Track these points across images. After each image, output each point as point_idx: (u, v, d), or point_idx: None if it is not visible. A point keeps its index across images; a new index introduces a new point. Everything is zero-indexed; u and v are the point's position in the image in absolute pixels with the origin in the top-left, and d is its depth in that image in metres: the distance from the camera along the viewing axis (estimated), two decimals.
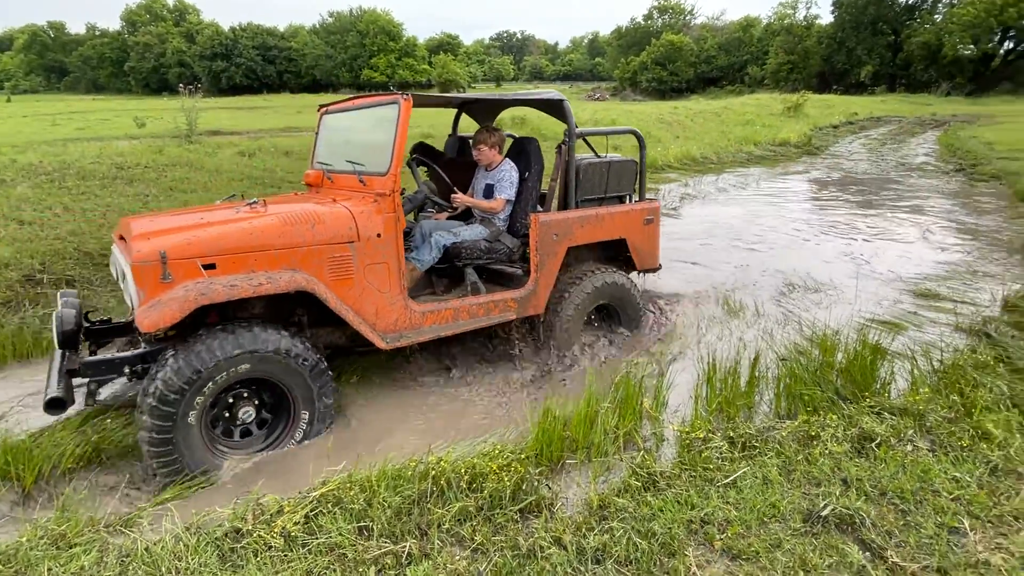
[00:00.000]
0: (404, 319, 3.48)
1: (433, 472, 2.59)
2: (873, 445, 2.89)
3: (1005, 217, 8.68)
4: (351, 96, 4.14)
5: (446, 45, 69.04)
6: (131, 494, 2.84)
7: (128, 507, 2.69)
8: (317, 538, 2.30)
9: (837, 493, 2.54)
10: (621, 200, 4.47)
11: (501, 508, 2.47)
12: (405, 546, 2.26)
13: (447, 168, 4.34)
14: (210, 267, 2.87)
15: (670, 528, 2.36)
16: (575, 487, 2.72)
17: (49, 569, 2.17)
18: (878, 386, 3.48)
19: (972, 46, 42.34)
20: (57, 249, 5.47)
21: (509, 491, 2.52)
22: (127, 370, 2.96)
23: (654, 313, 4.95)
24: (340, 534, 2.31)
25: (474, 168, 4.40)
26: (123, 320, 3.65)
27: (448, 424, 3.49)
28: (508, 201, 4.08)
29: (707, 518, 2.43)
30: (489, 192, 4.13)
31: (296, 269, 3.07)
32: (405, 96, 3.41)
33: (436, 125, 10.98)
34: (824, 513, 2.42)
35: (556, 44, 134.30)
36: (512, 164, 4.14)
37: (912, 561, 2.20)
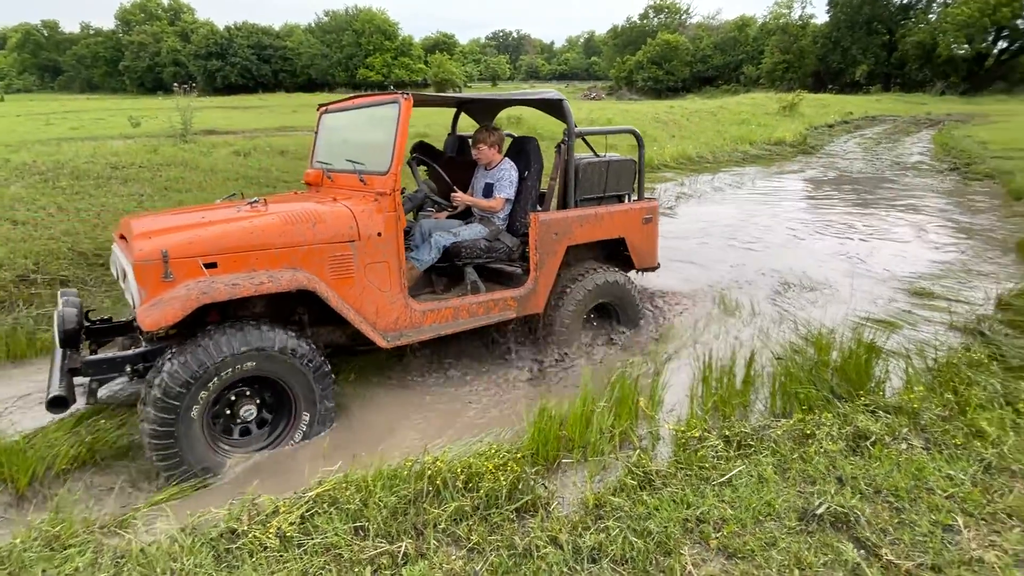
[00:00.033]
0: (404, 318, 3.49)
1: (429, 472, 2.59)
2: (868, 443, 2.90)
3: (999, 216, 8.72)
4: (351, 96, 4.14)
5: (442, 44, 68.96)
6: (126, 495, 2.83)
7: (123, 508, 2.68)
8: (313, 538, 2.29)
9: (832, 491, 2.55)
10: (620, 199, 4.48)
11: (497, 508, 2.47)
12: (401, 546, 2.26)
13: (446, 167, 4.35)
14: (211, 266, 2.88)
15: (666, 527, 2.36)
16: (571, 486, 2.72)
17: (43, 571, 2.16)
18: (873, 384, 3.49)
19: (966, 45, 42.53)
20: (51, 249, 5.45)
21: (505, 490, 2.52)
22: (128, 369, 2.96)
23: (652, 312, 4.96)
24: (336, 534, 2.31)
25: (473, 167, 4.40)
26: (123, 319, 3.65)
27: (445, 423, 3.49)
28: (507, 200, 4.08)
29: (703, 517, 2.44)
30: (489, 191, 4.14)
31: (297, 268, 3.07)
32: (405, 95, 3.42)
33: (432, 125, 10.97)
34: (819, 511, 2.43)
35: (552, 43, 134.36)
36: (512, 163, 4.15)
37: (906, 559, 2.21)
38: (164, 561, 2.19)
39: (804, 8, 78.90)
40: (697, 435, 2.98)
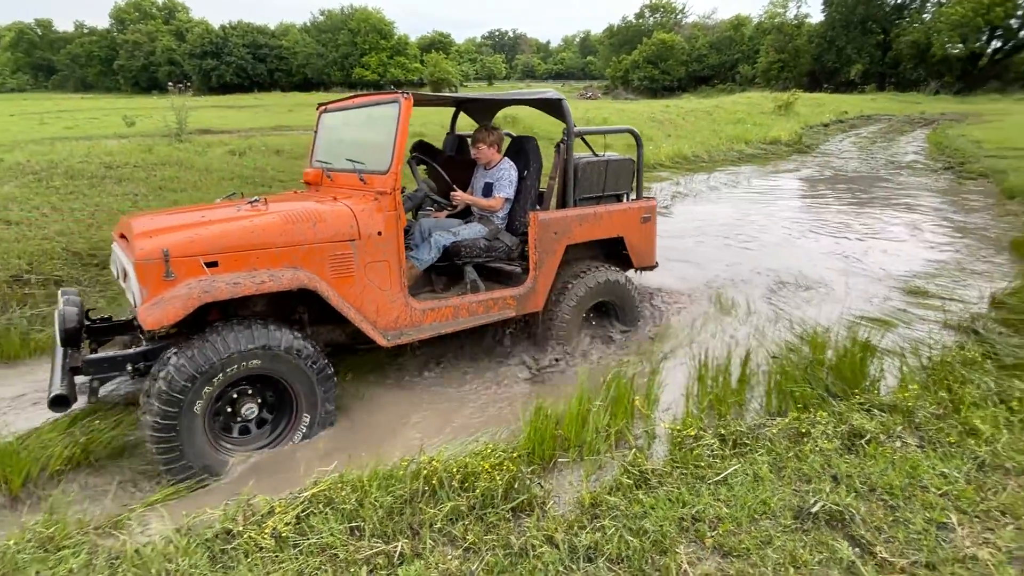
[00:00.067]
0: (405, 317, 3.50)
1: (425, 472, 2.59)
2: (863, 442, 2.91)
3: (993, 215, 8.76)
4: (350, 95, 4.15)
5: (438, 44, 68.90)
6: (121, 496, 2.82)
7: (118, 509, 2.67)
8: (308, 539, 2.29)
9: (827, 490, 2.56)
10: (618, 198, 4.50)
11: (493, 507, 2.47)
12: (397, 546, 2.26)
13: (445, 166, 4.37)
14: (212, 265, 2.89)
15: (661, 526, 2.37)
16: (567, 485, 2.72)
17: (37, 572, 2.16)
18: (868, 383, 3.50)
19: (960, 45, 42.68)
20: (45, 249, 5.42)
21: (501, 490, 2.52)
22: (129, 367, 2.96)
23: (648, 311, 4.96)
24: (331, 534, 2.30)
25: (472, 166, 4.41)
26: (123, 318, 3.65)
27: (443, 422, 3.49)
28: (507, 200, 4.10)
29: (698, 515, 2.44)
30: (488, 191, 4.15)
31: (298, 267, 3.08)
32: (406, 95, 3.43)
33: (428, 124, 10.96)
34: (814, 510, 2.44)
35: (548, 43, 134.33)
36: (511, 163, 4.16)
37: (901, 556, 2.21)
38: (159, 562, 2.19)
39: (799, 7, 79.49)
40: (693, 434, 2.99)
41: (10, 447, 2.87)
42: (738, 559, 2.23)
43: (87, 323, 3.42)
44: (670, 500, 2.53)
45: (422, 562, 2.20)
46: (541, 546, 2.28)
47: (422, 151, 4.57)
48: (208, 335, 2.84)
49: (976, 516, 2.43)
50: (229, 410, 3.05)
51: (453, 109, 5.19)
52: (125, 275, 3.00)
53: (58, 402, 2.68)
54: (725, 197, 10.70)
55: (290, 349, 2.98)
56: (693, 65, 59.08)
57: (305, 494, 2.51)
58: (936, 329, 4.60)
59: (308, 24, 66.25)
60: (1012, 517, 2.42)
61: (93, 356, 2.96)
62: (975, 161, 13.17)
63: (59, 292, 3.45)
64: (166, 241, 2.83)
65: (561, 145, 4.00)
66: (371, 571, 2.18)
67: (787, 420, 3.13)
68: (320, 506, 2.45)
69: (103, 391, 3.08)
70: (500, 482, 2.53)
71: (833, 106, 28.89)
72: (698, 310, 5.18)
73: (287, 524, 2.34)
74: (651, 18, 66.85)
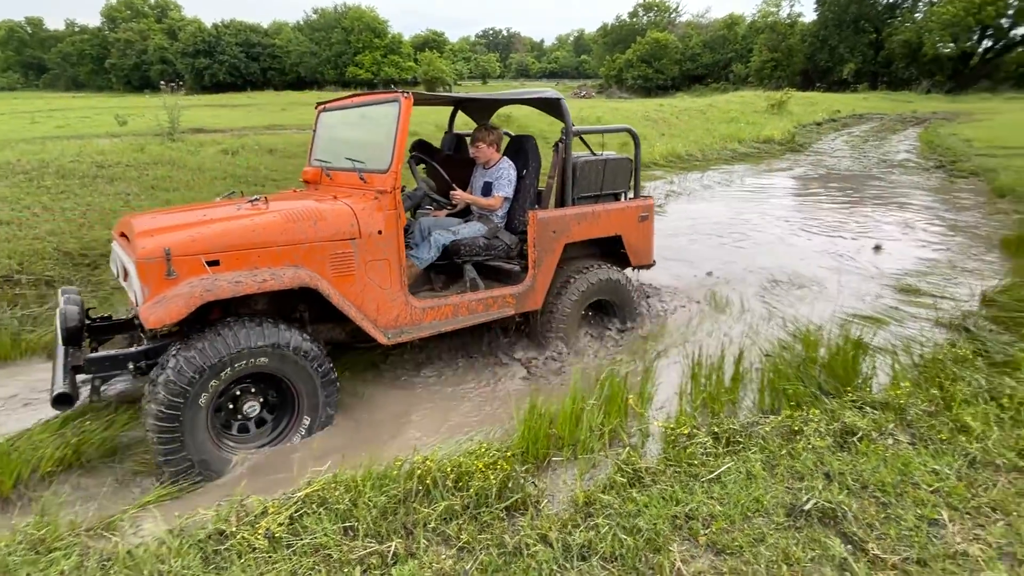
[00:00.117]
0: (405, 315, 3.51)
1: (419, 471, 2.58)
2: (855, 439, 2.93)
3: (983, 213, 8.82)
4: (350, 94, 4.16)
5: (432, 42, 68.72)
6: (113, 497, 2.80)
7: (110, 510, 2.66)
8: (302, 539, 2.28)
9: (820, 487, 2.57)
10: (616, 197, 4.52)
11: (487, 506, 2.47)
12: (391, 546, 2.26)
13: (444, 165, 4.38)
14: (214, 263, 2.89)
15: (655, 524, 2.37)
16: (561, 484, 2.73)
17: (28, 574, 2.14)
18: (860, 381, 3.52)
19: (951, 44, 42.94)
20: (36, 249, 5.39)
21: (495, 489, 2.51)
22: (131, 366, 2.97)
23: (643, 309, 4.98)
24: (325, 534, 2.30)
25: (471, 165, 4.44)
26: (123, 317, 3.64)
27: (440, 421, 3.49)
28: (506, 199, 4.12)
29: (692, 513, 2.45)
30: (487, 190, 4.17)
31: (299, 265, 3.09)
32: (406, 94, 3.44)
33: (423, 123, 10.93)
34: (807, 507, 2.45)
35: (542, 41, 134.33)
36: (510, 162, 4.18)
37: (893, 553, 2.23)
38: (151, 563, 2.18)
39: (792, 6, 79.76)
40: (686, 432, 2.99)
41: (1, 448, 2.85)
42: (731, 557, 2.24)
43: (87, 322, 3.42)
44: (664, 498, 2.54)
45: (416, 562, 2.20)
46: (535, 545, 2.28)
47: (421, 150, 4.59)
48: (220, 329, 2.86)
49: (967, 512, 2.45)
50: (231, 407, 3.06)
51: (449, 108, 5.19)
52: (126, 274, 3.00)
53: (61, 400, 2.69)
54: (719, 196, 10.73)
55: (298, 349, 3.00)
56: (687, 64, 59.18)
57: (299, 494, 2.50)
58: (928, 327, 4.63)
59: (301, 23, 66.04)
60: (1002, 513, 2.43)
61: (95, 355, 2.96)
62: (966, 160, 13.26)
63: (59, 291, 3.46)
64: (168, 240, 2.84)
65: (560, 144, 4.02)
66: (365, 571, 2.18)
67: (780, 418, 3.14)
68: (314, 506, 2.44)
69: (104, 390, 3.08)
70: (494, 481, 2.53)
71: (826, 105, 29.01)
72: (692, 308, 5.19)
73: (280, 524, 2.33)
74: (645, 17, 66.92)
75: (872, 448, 2.85)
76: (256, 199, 3.36)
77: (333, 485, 2.54)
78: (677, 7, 67.31)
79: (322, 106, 4.32)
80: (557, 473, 2.82)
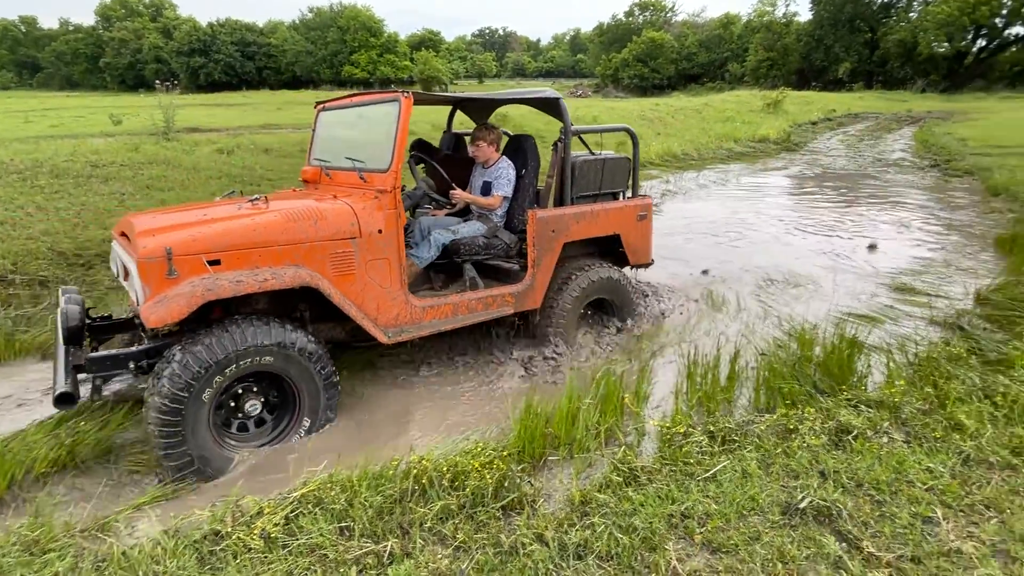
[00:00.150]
0: (405, 314, 3.52)
1: (415, 471, 2.58)
2: (850, 437, 2.94)
3: (978, 212, 8.85)
4: (349, 93, 4.17)
5: (428, 41, 68.60)
6: (107, 498, 2.79)
7: (104, 511, 2.65)
8: (297, 539, 2.28)
9: (815, 485, 2.58)
10: (615, 196, 4.54)
11: (483, 506, 2.47)
12: (387, 545, 2.26)
13: (443, 165, 4.40)
14: (215, 263, 2.89)
15: (651, 523, 2.38)
16: (557, 483, 2.73)
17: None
18: (855, 379, 3.53)
19: (946, 44, 43.11)
20: (30, 249, 5.36)
21: (491, 489, 2.52)
22: (132, 365, 2.97)
23: (639, 308, 4.99)
24: (321, 535, 2.29)
25: (469, 165, 4.45)
26: (123, 316, 3.64)
27: (438, 420, 3.49)
28: (505, 198, 4.14)
29: (687, 512, 2.46)
30: (486, 189, 4.19)
31: (300, 265, 3.09)
32: (406, 94, 3.45)
33: (417, 123, 10.92)
34: (802, 505, 2.46)
35: (538, 41, 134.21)
36: (509, 162, 4.20)
37: (887, 551, 2.24)
38: (146, 564, 2.17)
39: (788, 6, 79.82)
40: (682, 431, 3.00)
41: None
42: (726, 555, 2.25)
43: (87, 321, 3.42)
44: (659, 497, 2.55)
45: (412, 561, 2.20)
46: (531, 544, 2.28)
47: (421, 150, 4.61)
48: (227, 326, 2.88)
49: (961, 510, 2.46)
50: (232, 405, 3.07)
51: (447, 108, 5.21)
52: (126, 273, 3.01)
53: (63, 400, 2.69)
54: (715, 195, 10.74)
55: (303, 350, 3.03)
56: (683, 63, 59.26)
57: (294, 494, 2.50)
58: (922, 325, 4.65)
59: (297, 22, 65.90)
60: (996, 511, 2.45)
61: (96, 354, 2.97)
62: (961, 159, 13.31)
63: (60, 291, 3.46)
64: (169, 239, 2.84)
65: (559, 144, 4.03)
66: (361, 571, 2.17)
67: (775, 417, 3.15)
68: (309, 506, 2.44)
69: (106, 389, 3.09)
70: (490, 481, 2.53)
71: (821, 104, 29.08)
72: (687, 307, 5.20)
73: (276, 525, 2.33)
74: (641, 16, 66.97)
75: (867, 446, 2.86)
76: (256, 198, 3.37)
77: (329, 485, 2.53)
78: (673, 6, 67.48)
79: (321, 105, 4.33)
80: (553, 472, 2.83)
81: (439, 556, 2.23)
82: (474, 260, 3.99)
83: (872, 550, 2.23)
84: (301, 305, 3.38)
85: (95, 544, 2.33)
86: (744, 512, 2.46)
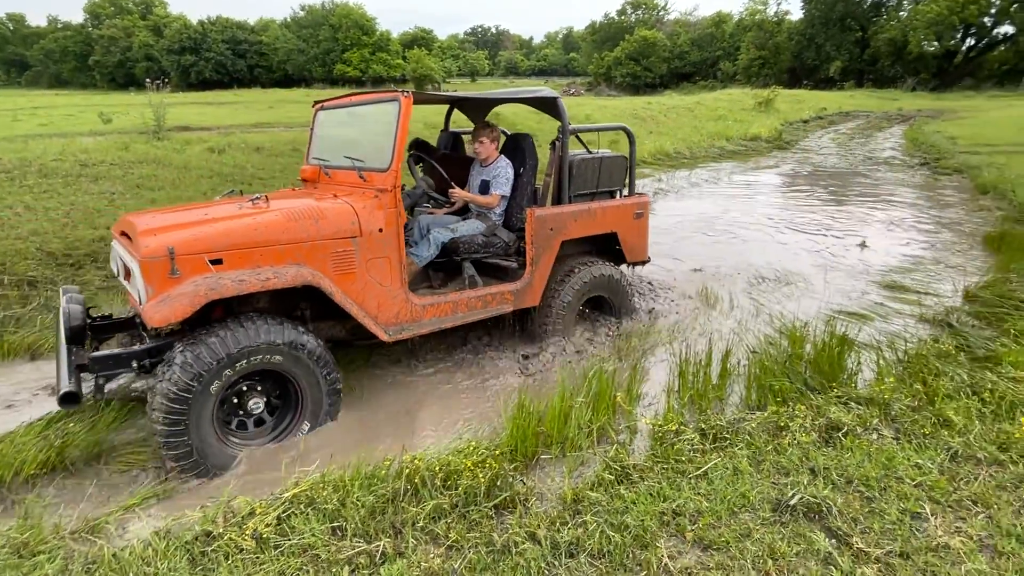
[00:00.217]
0: (405, 312, 3.53)
1: (407, 471, 2.59)
2: (840, 434, 2.96)
3: (967, 209, 8.93)
4: (348, 93, 4.19)
5: (420, 40, 68.37)
6: (97, 500, 2.78)
7: (94, 513, 2.63)
8: (290, 539, 2.28)
9: (805, 482, 2.60)
10: (612, 195, 4.57)
11: (476, 505, 2.47)
12: (379, 545, 2.26)
13: (441, 164, 4.42)
14: (217, 262, 2.89)
15: (643, 520, 2.39)
16: (549, 482, 2.73)
17: None
18: (845, 376, 3.56)
19: (936, 43, 43.44)
20: (18, 249, 5.32)
21: (484, 488, 2.52)
22: (135, 364, 2.97)
23: (640, 306, 5.02)
24: (313, 535, 2.29)
25: (467, 164, 4.49)
26: (124, 315, 3.64)
27: (437, 419, 3.49)
28: (503, 197, 4.16)
29: (679, 510, 2.47)
30: (485, 188, 4.22)
31: (301, 264, 3.10)
32: (405, 94, 3.46)
33: (411, 122, 10.86)
34: (792, 502, 2.47)
35: (531, 39, 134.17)
36: (508, 161, 4.22)
37: (876, 547, 2.26)
38: (137, 565, 2.16)
39: (779, 5, 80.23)
40: (674, 429, 3.01)
41: None
42: (718, 552, 2.26)
43: (88, 321, 3.42)
44: (651, 495, 2.56)
45: (404, 561, 2.20)
46: (523, 543, 2.28)
47: (419, 149, 4.62)
48: (242, 321, 2.91)
49: (949, 506, 2.48)
50: (235, 401, 3.07)
51: (440, 107, 5.22)
52: (127, 273, 3.01)
53: (68, 399, 2.68)
54: (706, 193, 10.77)
55: (312, 353, 3.06)
56: (675, 62, 59.39)
57: (286, 495, 2.50)
58: (912, 323, 4.68)
59: (288, 20, 65.51)
60: (983, 506, 2.47)
61: (99, 353, 2.97)
62: (950, 157, 13.42)
63: (60, 291, 3.48)
64: (171, 239, 2.84)
65: (557, 143, 4.05)
66: (353, 571, 2.17)
67: (766, 414, 3.17)
68: (301, 507, 2.43)
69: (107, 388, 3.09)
70: (483, 480, 2.54)
71: (812, 103, 29.23)
72: (680, 305, 5.21)
73: (268, 525, 2.33)
74: (633, 15, 67.07)
75: (857, 443, 2.88)
76: (257, 198, 3.37)
77: (321, 485, 2.53)
78: (665, 5, 67.59)
79: (320, 105, 4.33)
80: (546, 471, 2.83)
81: (432, 555, 2.23)
82: (473, 258, 4.01)
83: (861, 546, 2.25)
84: (302, 304, 3.39)
85: (85, 546, 2.32)
86: (735, 509, 2.47)
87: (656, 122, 19.03)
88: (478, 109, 5.09)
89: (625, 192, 4.67)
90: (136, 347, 3.05)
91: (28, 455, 2.84)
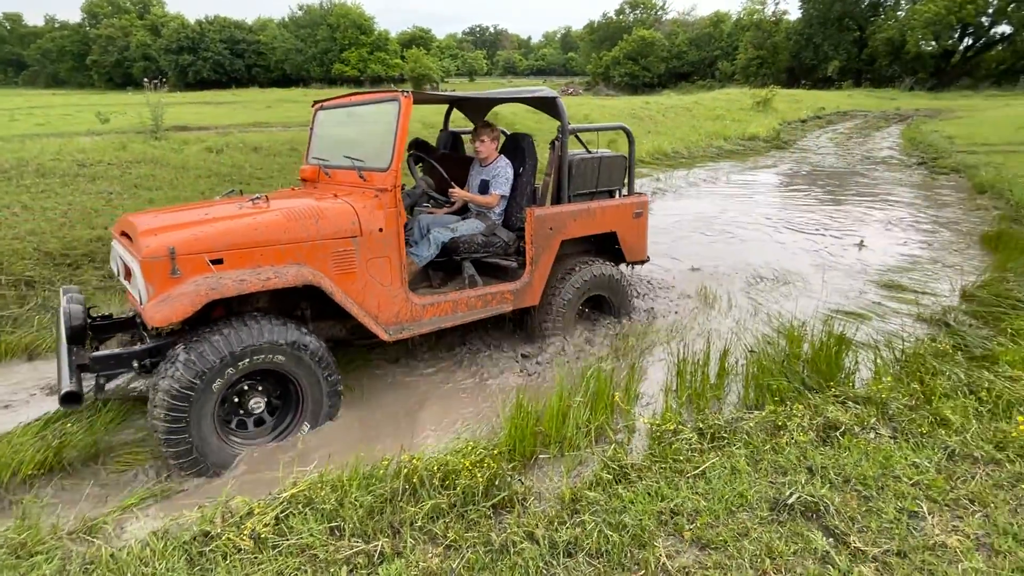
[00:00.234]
0: (405, 311, 3.54)
1: (406, 470, 2.59)
2: (838, 434, 2.97)
3: (964, 209, 8.94)
4: (347, 93, 4.20)
5: (418, 39, 68.32)
6: (95, 500, 2.77)
7: (92, 513, 2.63)
8: (288, 539, 2.28)
9: (803, 481, 2.60)
10: (611, 194, 4.58)
11: (474, 505, 2.47)
12: (377, 545, 2.26)
13: (440, 163, 4.43)
14: (218, 262, 2.90)
15: (641, 520, 2.39)
16: (548, 481, 2.74)
17: None
18: (843, 376, 3.56)
19: (933, 42, 43.50)
20: (15, 249, 5.31)
21: (482, 487, 2.52)
22: (136, 364, 2.98)
23: (640, 305, 5.03)
24: (311, 535, 2.29)
25: (467, 163, 4.50)
26: (124, 315, 3.64)
27: (436, 417, 3.49)
28: (503, 197, 4.17)
29: (677, 509, 2.47)
30: (484, 188, 4.23)
31: (302, 263, 3.11)
32: (405, 93, 3.47)
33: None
34: (790, 501, 2.48)
35: (529, 39, 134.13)
36: (507, 161, 4.23)
37: (873, 545, 2.26)
38: (135, 566, 2.16)
39: (777, 4, 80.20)
40: (672, 428, 3.02)
41: None
42: (715, 551, 2.26)
43: (89, 320, 3.42)
44: (649, 494, 2.56)
45: (403, 561, 2.20)
46: (522, 542, 2.29)
47: (418, 149, 4.62)
48: (246, 320, 2.92)
49: (946, 505, 2.49)
50: (236, 400, 3.08)
51: (438, 107, 5.22)
52: (127, 273, 3.02)
53: (70, 399, 2.69)
54: (704, 193, 10.78)
55: (315, 355, 3.08)
56: (673, 62, 59.42)
57: (284, 495, 2.50)
58: (909, 322, 4.69)
59: (287, 19, 65.43)
60: (980, 505, 2.48)
61: (100, 353, 2.97)
62: (947, 156, 13.43)
63: (61, 290, 3.48)
64: (172, 239, 2.84)
65: (556, 142, 4.06)
66: (351, 571, 2.17)
67: (764, 413, 3.17)
68: (300, 506, 2.43)
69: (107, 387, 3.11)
70: (481, 480, 2.54)
71: (810, 102, 29.25)
72: (678, 305, 5.22)
73: (266, 525, 2.33)
74: (631, 15, 67.14)
75: (854, 442, 2.88)
76: (257, 197, 3.38)
77: (319, 485, 2.53)
78: (663, 5, 67.74)
79: (319, 104, 4.33)
80: (544, 471, 2.84)
81: (430, 555, 2.23)
82: (473, 258, 4.02)
83: (859, 545, 2.26)
84: (302, 303, 3.40)
85: (83, 546, 2.32)
86: (733, 508, 2.47)
87: (654, 122, 19.04)
88: (477, 109, 5.10)
89: (624, 192, 4.67)
90: (137, 347, 3.06)
91: (26, 455, 2.84)
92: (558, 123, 4.13)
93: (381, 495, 2.49)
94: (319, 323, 3.47)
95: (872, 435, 2.97)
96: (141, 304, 2.83)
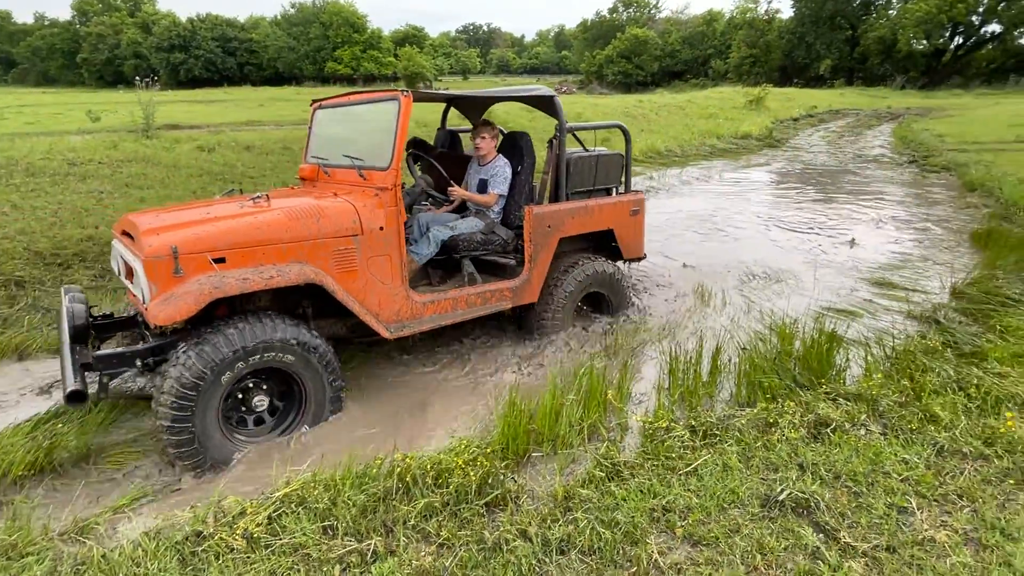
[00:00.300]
0: (406, 309, 3.56)
1: (399, 469, 2.59)
2: (828, 430, 2.99)
3: (954, 207, 9.00)
4: (347, 92, 4.22)
5: (412, 38, 68.15)
6: (86, 501, 2.76)
7: (84, 514, 2.62)
8: (280, 539, 2.28)
9: (793, 478, 2.62)
10: (608, 192, 4.60)
11: (467, 503, 2.48)
12: (370, 544, 2.26)
13: (439, 162, 4.45)
14: (220, 261, 2.90)
15: (633, 517, 2.40)
16: (541, 479, 2.74)
17: None
18: (834, 373, 3.59)
19: (925, 41, 43.77)
20: (5, 249, 5.28)
21: (475, 486, 2.53)
22: (139, 363, 2.99)
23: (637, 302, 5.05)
24: (304, 534, 2.29)
25: (465, 161, 4.52)
26: (125, 314, 3.64)
27: (435, 417, 3.49)
28: (501, 196, 4.19)
29: (669, 506, 2.48)
30: (483, 187, 4.25)
31: (303, 262, 3.12)
32: (405, 92, 3.48)
33: None
34: (781, 498, 2.49)
35: (523, 37, 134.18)
36: (506, 161, 4.25)
37: (863, 541, 2.28)
38: (127, 566, 2.15)
39: (770, 3, 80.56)
40: (664, 426, 3.03)
41: None
42: (707, 548, 2.28)
43: (90, 319, 3.42)
44: (641, 492, 2.57)
45: (396, 559, 2.20)
46: (514, 540, 2.29)
47: (417, 147, 4.63)
48: (261, 316, 2.95)
49: (935, 500, 2.51)
50: (239, 396, 3.08)
51: (433, 105, 5.23)
52: (129, 272, 3.02)
53: (75, 397, 2.68)
54: (698, 191, 10.81)
55: (322, 357, 3.10)
56: (666, 60, 59.54)
57: (277, 494, 2.49)
58: (900, 319, 4.72)
59: (279, 17, 65.11)
60: (968, 500, 2.50)
61: (104, 352, 2.98)
62: (938, 155, 13.52)
63: (62, 290, 3.48)
64: (174, 238, 2.84)
65: (554, 141, 4.08)
66: (344, 570, 2.18)
67: (756, 411, 3.19)
68: (293, 506, 2.43)
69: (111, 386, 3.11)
70: (474, 478, 2.54)
71: (803, 101, 29.38)
72: (672, 303, 5.24)
73: (259, 525, 2.32)
74: (625, 13, 67.19)
75: (845, 439, 2.91)
76: (258, 196, 3.38)
77: (312, 484, 2.53)
78: (657, 3, 67.71)
79: (318, 104, 4.33)
80: (537, 468, 2.84)
81: (423, 553, 2.24)
82: (472, 256, 4.04)
83: (849, 540, 2.28)
84: (304, 302, 3.41)
85: (74, 547, 2.31)
86: (724, 505, 2.49)
87: (647, 120, 19.08)
88: (475, 107, 5.12)
89: (621, 189, 4.69)
90: (140, 345, 3.07)
91: (16, 456, 2.83)
92: (554, 121, 4.14)
93: (374, 494, 2.49)
94: (319, 321, 3.48)
95: (862, 432, 2.99)
96: (144, 303, 2.83)
